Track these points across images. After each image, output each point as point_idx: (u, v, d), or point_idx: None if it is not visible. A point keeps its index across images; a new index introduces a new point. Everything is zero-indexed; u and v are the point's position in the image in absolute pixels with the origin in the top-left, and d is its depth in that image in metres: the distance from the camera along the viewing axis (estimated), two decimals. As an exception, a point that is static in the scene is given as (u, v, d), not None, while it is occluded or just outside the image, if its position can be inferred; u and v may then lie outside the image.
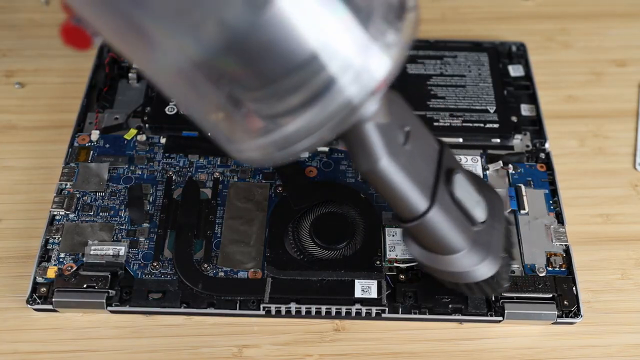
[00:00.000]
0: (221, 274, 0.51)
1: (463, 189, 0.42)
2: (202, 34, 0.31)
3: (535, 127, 0.61)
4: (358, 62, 0.33)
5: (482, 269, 0.44)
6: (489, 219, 0.44)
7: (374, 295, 0.49)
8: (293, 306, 0.49)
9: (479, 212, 0.43)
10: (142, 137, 0.58)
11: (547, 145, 0.59)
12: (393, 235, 0.53)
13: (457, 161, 0.45)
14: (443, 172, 0.42)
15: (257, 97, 0.34)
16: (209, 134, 0.37)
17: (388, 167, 0.38)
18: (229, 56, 0.32)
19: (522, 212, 0.54)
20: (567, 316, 0.50)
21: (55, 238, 0.52)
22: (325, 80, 0.33)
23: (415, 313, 0.50)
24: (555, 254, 0.52)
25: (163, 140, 0.58)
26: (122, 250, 0.51)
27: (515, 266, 0.52)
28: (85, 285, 0.49)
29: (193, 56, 0.32)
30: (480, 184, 0.46)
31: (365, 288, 0.50)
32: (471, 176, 0.45)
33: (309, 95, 0.33)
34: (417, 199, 0.40)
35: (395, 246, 0.52)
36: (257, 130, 0.35)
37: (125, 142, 0.58)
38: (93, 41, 0.34)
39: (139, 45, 0.33)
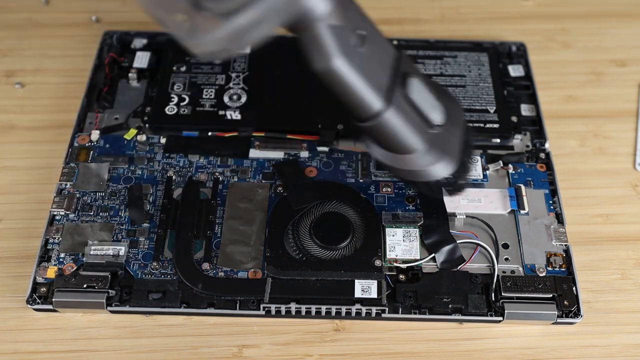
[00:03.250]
0: (221, 274, 0.51)
1: (419, 92, 0.45)
2: None
3: (535, 127, 0.61)
4: None
5: (438, 169, 0.46)
6: (447, 123, 0.46)
7: (374, 295, 0.49)
8: (293, 306, 0.49)
9: (436, 115, 0.45)
10: (142, 137, 0.58)
11: (547, 145, 0.59)
12: (393, 235, 0.53)
13: (415, 67, 0.47)
14: (399, 76, 0.44)
15: None
16: (171, 32, 0.40)
17: (341, 66, 0.41)
18: None
19: (522, 212, 0.54)
20: (567, 316, 0.50)
21: (55, 238, 0.52)
22: None
23: (415, 313, 0.50)
24: (555, 254, 0.52)
25: (163, 140, 0.58)
26: (122, 250, 0.51)
27: (515, 266, 0.52)
28: (85, 285, 0.49)
29: None
30: (439, 90, 0.48)
31: (365, 288, 0.50)
32: (430, 82, 0.47)
33: None
34: (371, 99, 0.42)
35: (395, 246, 0.52)
36: (212, 25, 0.38)
37: (125, 142, 0.58)
38: None
39: None
